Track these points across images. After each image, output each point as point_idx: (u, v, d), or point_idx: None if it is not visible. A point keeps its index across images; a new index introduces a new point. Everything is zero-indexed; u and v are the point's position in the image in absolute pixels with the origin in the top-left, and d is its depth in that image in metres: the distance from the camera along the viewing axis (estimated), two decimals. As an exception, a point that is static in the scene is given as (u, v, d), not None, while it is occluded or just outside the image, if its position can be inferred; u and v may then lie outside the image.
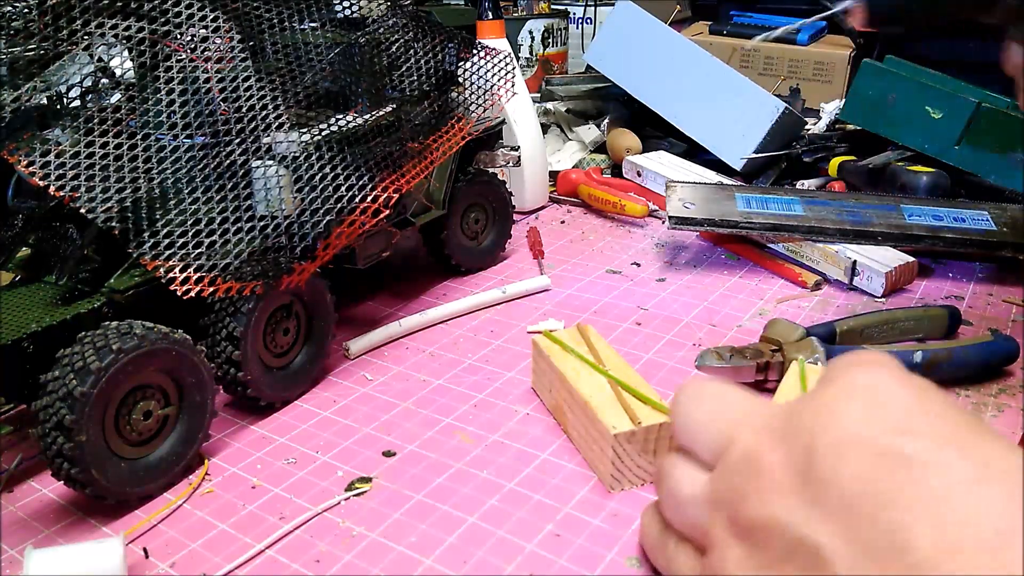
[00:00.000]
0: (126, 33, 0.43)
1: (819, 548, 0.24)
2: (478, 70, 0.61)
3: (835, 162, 0.85)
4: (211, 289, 0.42)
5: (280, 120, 0.47)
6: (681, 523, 0.32)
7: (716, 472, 0.30)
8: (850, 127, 0.90)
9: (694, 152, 0.92)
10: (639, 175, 0.87)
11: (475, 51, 0.61)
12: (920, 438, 0.24)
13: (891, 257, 0.65)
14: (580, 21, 1.31)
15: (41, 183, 0.40)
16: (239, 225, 0.44)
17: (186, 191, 0.43)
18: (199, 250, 0.43)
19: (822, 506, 0.24)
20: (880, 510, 0.23)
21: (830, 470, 0.25)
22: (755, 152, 0.86)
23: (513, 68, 0.63)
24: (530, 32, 1.18)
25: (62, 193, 0.40)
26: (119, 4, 0.44)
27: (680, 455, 0.33)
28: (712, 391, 0.33)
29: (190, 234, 0.43)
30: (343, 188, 0.47)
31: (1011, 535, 0.21)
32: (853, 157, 0.84)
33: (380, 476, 0.43)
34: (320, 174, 0.47)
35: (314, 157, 0.47)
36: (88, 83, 0.42)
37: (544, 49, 1.19)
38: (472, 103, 0.60)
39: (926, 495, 0.23)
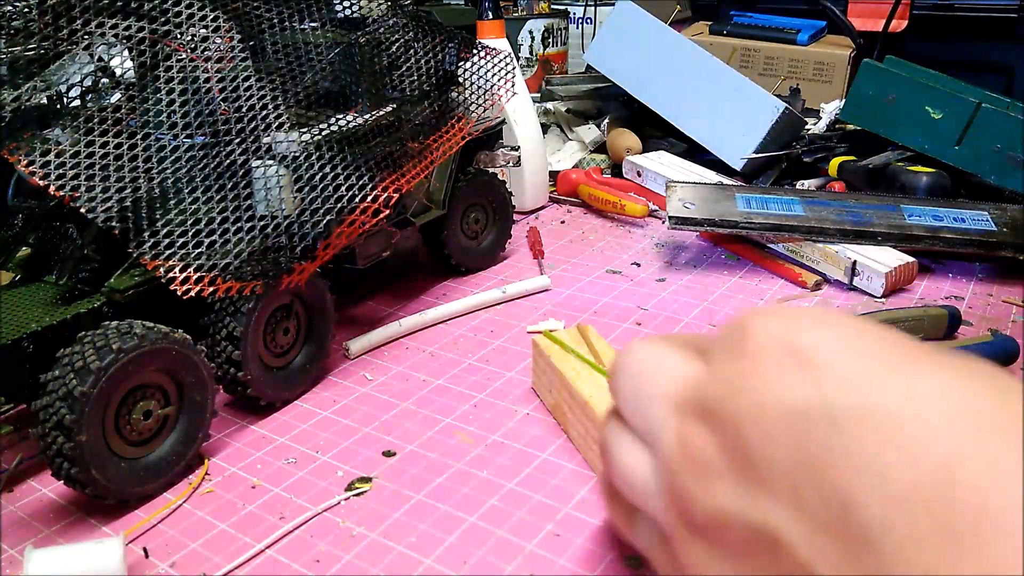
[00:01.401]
0: (126, 33, 0.43)
1: (776, 533, 0.22)
2: (478, 70, 0.61)
3: (835, 162, 0.85)
4: (211, 289, 0.42)
5: (280, 120, 0.47)
6: (637, 504, 0.29)
7: (658, 464, 0.27)
8: (850, 127, 0.90)
9: (694, 152, 0.92)
10: (639, 175, 0.87)
11: (475, 51, 0.61)
12: (841, 387, 0.22)
13: (891, 257, 0.65)
14: (580, 21, 1.31)
15: (41, 183, 0.40)
16: (239, 225, 0.44)
17: (186, 191, 0.43)
18: (199, 250, 0.43)
19: (766, 487, 0.22)
20: (819, 476, 0.21)
21: (760, 446, 0.22)
22: (755, 152, 0.86)
23: (513, 68, 0.63)
24: (530, 32, 1.18)
25: (62, 193, 0.40)
26: (119, 4, 0.44)
27: (624, 429, 0.29)
28: (640, 357, 0.29)
29: (190, 234, 0.43)
30: (343, 188, 0.47)
31: (954, 468, 0.19)
32: (853, 157, 0.84)
33: (380, 476, 0.43)
34: (320, 174, 0.47)
35: (314, 157, 0.47)
36: (88, 83, 0.42)
37: (544, 49, 1.19)
38: (472, 103, 0.60)
39: (859, 447, 0.21)
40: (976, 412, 0.20)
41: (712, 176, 0.83)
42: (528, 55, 1.18)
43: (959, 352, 0.24)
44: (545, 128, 1.02)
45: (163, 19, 0.45)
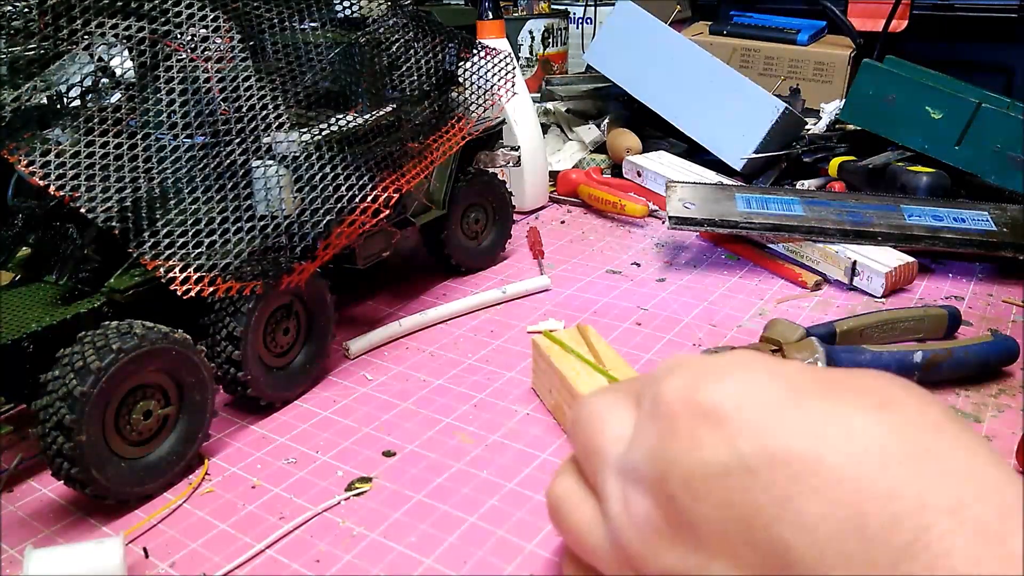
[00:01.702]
0: (126, 33, 0.43)
1: None
2: (478, 70, 0.61)
3: (835, 162, 0.85)
4: (211, 289, 0.42)
5: (280, 120, 0.47)
6: (595, 565, 0.29)
7: (608, 526, 0.27)
8: (850, 127, 0.90)
9: (694, 152, 0.92)
10: (639, 175, 0.87)
11: (475, 51, 0.61)
12: (751, 438, 0.23)
13: (891, 257, 0.65)
14: (580, 21, 1.31)
15: (41, 183, 0.40)
16: (239, 225, 0.44)
17: (186, 191, 0.43)
18: (199, 250, 0.43)
19: (706, 546, 0.23)
20: (751, 529, 0.22)
21: (692, 507, 0.24)
22: (755, 152, 0.86)
23: (513, 68, 0.63)
24: (530, 32, 1.18)
25: (62, 193, 0.40)
26: (119, 4, 0.44)
27: (580, 484, 0.30)
28: (590, 411, 0.30)
29: (190, 234, 0.43)
30: (343, 188, 0.47)
31: (866, 514, 0.20)
32: (853, 157, 0.84)
33: (380, 476, 0.43)
34: (320, 174, 0.47)
35: (314, 157, 0.47)
36: (88, 83, 0.42)
37: (544, 49, 1.19)
38: (472, 103, 0.60)
39: (779, 494, 0.22)
40: (881, 444, 0.22)
41: (712, 176, 0.83)
42: (528, 55, 1.18)
43: (870, 377, 0.24)
44: (545, 128, 1.02)
45: (163, 19, 0.45)
